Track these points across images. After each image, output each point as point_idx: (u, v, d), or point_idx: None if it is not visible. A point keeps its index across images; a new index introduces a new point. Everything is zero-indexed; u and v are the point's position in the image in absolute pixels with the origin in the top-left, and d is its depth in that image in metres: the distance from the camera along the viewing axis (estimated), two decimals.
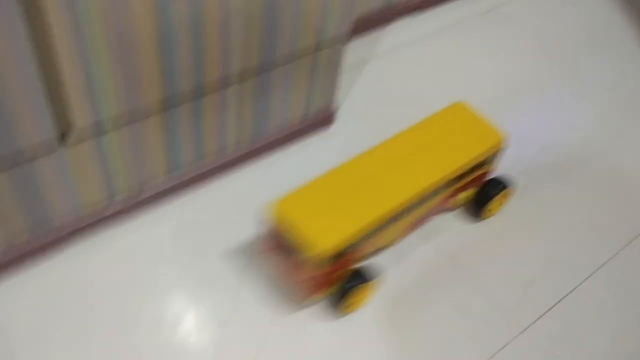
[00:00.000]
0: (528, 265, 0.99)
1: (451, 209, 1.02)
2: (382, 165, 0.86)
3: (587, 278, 0.98)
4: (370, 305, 0.90)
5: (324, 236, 0.76)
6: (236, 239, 0.95)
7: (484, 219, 1.01)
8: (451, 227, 1.00)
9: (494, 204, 0.99)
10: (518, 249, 1.01)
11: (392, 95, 1.22)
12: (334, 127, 1.14)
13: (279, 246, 0.83)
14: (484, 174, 0.97)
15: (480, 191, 0.98)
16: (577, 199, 1.10)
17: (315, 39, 0.93)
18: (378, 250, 0.92)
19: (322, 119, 1.10)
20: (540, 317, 0.92)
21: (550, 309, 0.93)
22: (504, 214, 1.03)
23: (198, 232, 0.96)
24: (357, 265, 0.85)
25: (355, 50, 1.30)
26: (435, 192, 0.88)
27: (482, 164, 0.93)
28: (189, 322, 0.87)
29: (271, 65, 0.91)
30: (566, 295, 0.95)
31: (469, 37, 1.38)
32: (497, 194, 0.98)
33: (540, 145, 1.18)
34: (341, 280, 0.83)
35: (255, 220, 0.96)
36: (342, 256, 0.80)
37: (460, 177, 0.91)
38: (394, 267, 0.94)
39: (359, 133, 1.13)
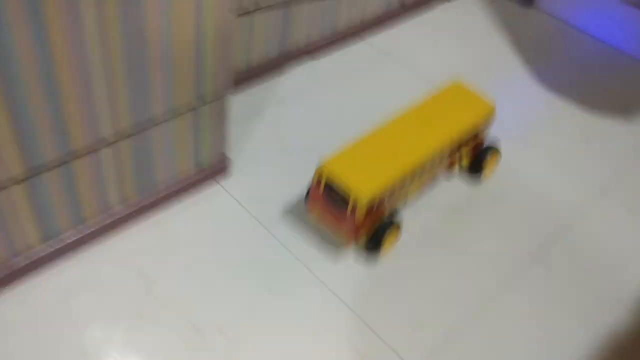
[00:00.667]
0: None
1: (453, 173, 1.22)
2: (402, 132, 1.06)
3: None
4: (398, 248, 1.08)
5: (365, 187, 0.95)
6: (117, 306, 0.93)
7: (483, 179, 1.22)
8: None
9: (487, 166, 1.20)
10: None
11: (288, 142, 1.23)
12: (231, 178, 1.13)
13: (326, 201, 1.00)
14: (481, 141, 1.18)
15: (477, 156, 1.19)
16: None
17: (192, 95, 0.93)
18: (402, 203, 1.11)
19: (216, 171, 1.10)
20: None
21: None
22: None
23: (78, 299, 0.93)
24: (387, 214, 1.04)
25: (252, 97, 1.31)
26: (445, 153, 1.09)
27: (479, 131, 1.15)
28: None
29: (148, 123, 0.90)
30: None
31: (364, 78, 1.42)
32: (490, 156, 1.19)
33: None
34: (376, 226, 1.01)
35: (139, 279, 0.94)
36: (378, 204, 0.99)
37: (464, 139, 1.12)
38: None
39: (256, 181, 1.13)
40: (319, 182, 0.99)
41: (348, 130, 1.25)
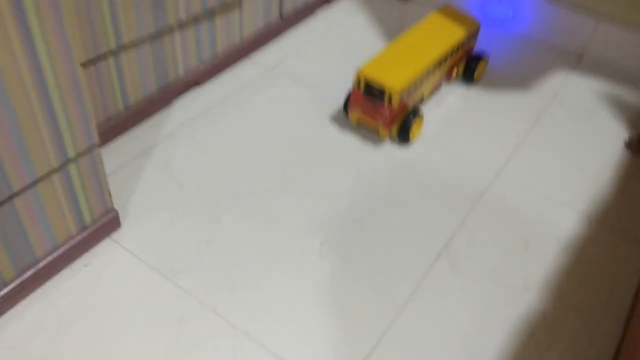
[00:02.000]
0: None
1: (451, 80, 1.49)
2: (413, 43, 1.35)
3: None
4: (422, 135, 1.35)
5: (396, 82, 1.23)
6: None
7: (478, 80, 1.51)
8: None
9: (479, 70, 1.49)
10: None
11: (182, 179, 1.17)
12: (125, 229, 1.07)
13: (365, 100, 1.26)
14: (470, 50, 1.49)
15: (469, 61, 1.48)
16: None
17: (54, 158, 0.86)
18: (420, 100, 1.37)
19: (106, 226, 1.03)
20: None
21: None
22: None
23: None
24: (411, 107, 1.31)
25: (136, 138, 1.24)
26: (447, 57, 1.38)
27: (470, 40, 1.45)
28: None
29: (8, 199, 0.82)
30: None
31: (254, 96, 1.39)
32: (479, 61, 1.48)
33: None
34: (405, 115, 1.28)
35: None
36: (407, 94, 1.27)
37: (460, 47, 1.42)
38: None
39: (152, 228, 1.07)
40: (358, 84, 1.26)
41: (244, 156, 1.23)
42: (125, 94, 1.20)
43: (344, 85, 1.43)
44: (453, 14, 1.47)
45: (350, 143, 1.29)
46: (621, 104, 1.47)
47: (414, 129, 1.29)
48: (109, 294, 0.97)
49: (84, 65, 1.07)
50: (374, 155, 1.27)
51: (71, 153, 0.88)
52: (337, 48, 1.57)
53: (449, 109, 1.43)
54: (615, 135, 1.37)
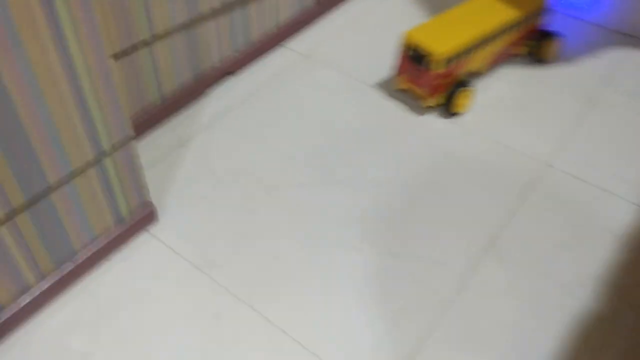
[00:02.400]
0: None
1: (519, 55, 1.43)
2: (471, 11, 1.32)
3: None
4: (472, 110, 1.30)
5: (440, 46, 1.21)
6: None
7: (546, 59, 1.43)
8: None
9: (549, 46, 1.40)
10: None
11: (219, 170, 1.15)
12: (160, 223, 1.05)
13: (409, 64, 1.26)
14: (534, 28, 1.39)
15: (537, 40, 1.40)
16: None
17: (89, 152, 0.84)
18: (475, 73, 1.33)
19: (141, 220, 1.02)
20: None
21: None
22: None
23: None
24: (461, 78, 1.28)
25: (173, 130, 1.23)
26: (506, 30, 1.31)
27: (532, 18, 1.36)
28: None
29: (44, 193, 0.82)
30: None
31: (289, 85, 1.35)
32: (550, 37, 1.39)
33: None
34: (452, 85, 1.25)
35: None
36: (452, 62, 1.23)
37: (520, 23, 1.34)
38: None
39: (189, 221, 1.05)
40: (404, 49, 1.25)
41: (280, 146, 1.19)
42: (160, 84, 1.19)
43: (381, 72, 1.38)
44: None
45: (390, 129, 1.24)
46: None
47: (459, 100, 1.25)
48: (147, 288, 0.96)
49: (117, 55, 1.06)
50: (417, 139, 1.22)
51: (106, 145, 0.87)
52: (373, 33, 1.52)
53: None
54: None
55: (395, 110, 1.29)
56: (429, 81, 1.23)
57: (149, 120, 1.20)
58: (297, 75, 1.38)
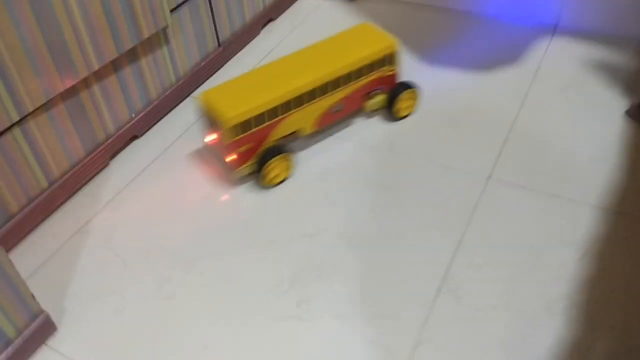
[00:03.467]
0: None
1: (367, 111, 1.22)
2: (289, 65, 1.11)
3: None
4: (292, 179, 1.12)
5: (232, 109, 1.02)
6: None
7: (398, 118, 1.21)
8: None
9: (401, 103, 1.18)
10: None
11: (126, 255, 0.99)
12: (62, 331, 0.89)
13: (210, 128, 1.09)
14: (388, 78, 1.17)
15: (389, 94, 1.18)
16: None
17: None
18: (294, 135, 1.12)
19: (38, 333, 0.85)
20: None
21: None
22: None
23: None
24: (274, 142, 1.09)
25: (71, 213, 1.07)
26: (336, 83, 1.10)
27: (379, 64, 1.14)
28: None
29: None
30: None
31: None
32: (402, 93, 1.17)
33: None
34: (260, 154, 1.07)
35: None
36: (251, 127, 1.04)
37: (359, 73, 1.12)
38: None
39: (96, 325, 0.89)
40: (201, 112, 1.10)
41: (197, 212, 1.05)
42: (46, 167, 1.03)
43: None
44: (364, 31, 1.17)
45: (316, 174, 1.12)
46: (610, 69, 1.31)
47: (269, 173, 1.06)
48: None
49: None
50: (325, 190, 1.10)
51: None
52: None
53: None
54: (611, 105, 1.21)
55: (324, 147, 1.17)
56: (225, 149, 1.05)
57: (38, 209, 1.04)
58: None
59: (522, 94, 1.26)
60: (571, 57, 1.35)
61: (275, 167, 1.07)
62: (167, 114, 1.28)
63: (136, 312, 0.91)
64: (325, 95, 1.10)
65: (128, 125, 1.18)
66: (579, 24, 1.42)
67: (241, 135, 1.03)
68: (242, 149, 1.05)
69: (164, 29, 1.19)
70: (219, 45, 1.39)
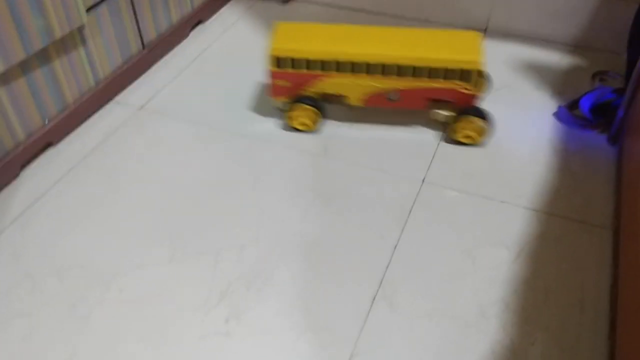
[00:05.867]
0: None
1: (433, 118, 1.14)
2: (362, 34, 1.12)
3: None
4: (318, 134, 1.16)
5: (281, 43, 1.09)
6: None
7: (454, 141, 1.13)
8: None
9: (461, 126, 1.10)
10: None
11: (37, 274, 0.90)
12: None
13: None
14: (462, 95, 1.08)
15: (457, 112, 1.10)
16: None
17: None
18: (340, 99, 1.14)
19: None
20: None
21: None
22: None
23: None
24: (315, 95, 1.13)
25: None
26: (392, 70, 1.07)
27: (452, 75, 1.06)
28: None
29: None
30: None
31: (127, 143, 1.14)
32: (466, 116, 1.09)
33: None
34: (295, 96, 1.13)
35: None
36: (290, 66, 1.09)
37: (424, 72, 1.06)
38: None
39: (3, 353, 0.81)
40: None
41: (117, 223, 0.97)
42: None
43: (232, 113, 1.22)
44: (468, 40, 1.10)
45: (246, 181, 1.07)
46: (540, 71, 1.33)
47: (294, 113, 1.13)
48: None
49: None
50: (276, 193, 1.06)
51: None
52: (217, 70, 1.35)
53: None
54: (541, 106, 1.23)
55: (253, 152, 1.12)
56: (270, 79, 1.12)
57: None
58: (132, 132, 1.17)
59: None
60: (501, 59, 1.36)
61: (301, 115, 1.13)
62: (86, 119, 1.19)
63: (47, 336, 0.82)
64: (376, 76, 1.08)
65: (41, 132, 1.09)
66: (508, 25, 1.44)
67: (279, 69, 1.10)
68: (279, 82, 1.12)
69: (80, 29, 1.11)
70: (144, 47, 1.31)
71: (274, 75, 1.11)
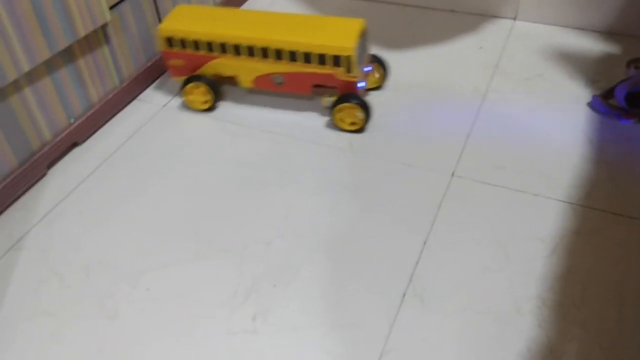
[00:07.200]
0: None
1: (324, 105, 1.14)
2: (251, 18, 1.17)
3: None
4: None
5: (170, 25, 1.14)
6: None
7: (341, 129, 1.14)
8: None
9: (340, 113, 1.12)
10: None
11: (65, 272, 0.90)
12: None
13: None
14: (341, 81, 1.09)
15: (337, 98, 1.11)
16: None
17: None
18: (232, 80, 1.18)
19: None
20: None
21: None
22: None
23: None
24: (209, 75, 1.18)
25: (4, 226, 0.97)
26: (275, 54, 1.10)
27: (330, 61, 1.08)
28: None
29: None
30: None
31: (153, 140, 1.14)
32: (342, 103, 1.10)
33: None
34: (189, 76, 1.18)
35: None
36: (181, 47, 1.15)
37: (302, 57, 1.08)
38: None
39: (26, 350, 0.80)
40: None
41: (142, 221, 0.96)
42: None
43: (256, 108, 1.21)
44: (346, 26, 1.10)
45: (272, 176, 1.06)
46: (572, 60, 1.29)
47: (187, 91, 1.18)
48: None
49: None
50: (304, 187, 1.04)
51: None
52: None
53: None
54: (574, 96, 1.19)
55: (278, 147, 1.11)
56: (164, 58, 1.19)
57: None
58: (159, 129, 1.17)
59: (484, 88, 1.22)
60: (532, 48, 1.32)
61: (193, 92, 1.18)
62: (111, 118, 1.20)
63: (75, 335, 0.82)
64: (261, 59, 1.12)
65: (67, 132, 1.09)
66: (538, 12, 1.40)
67: (170, 49, 1.16)
68: (173, 61, 1.18)
69: (104, 27, 1.11)
70: None
71: (165, 55, 1.17)
